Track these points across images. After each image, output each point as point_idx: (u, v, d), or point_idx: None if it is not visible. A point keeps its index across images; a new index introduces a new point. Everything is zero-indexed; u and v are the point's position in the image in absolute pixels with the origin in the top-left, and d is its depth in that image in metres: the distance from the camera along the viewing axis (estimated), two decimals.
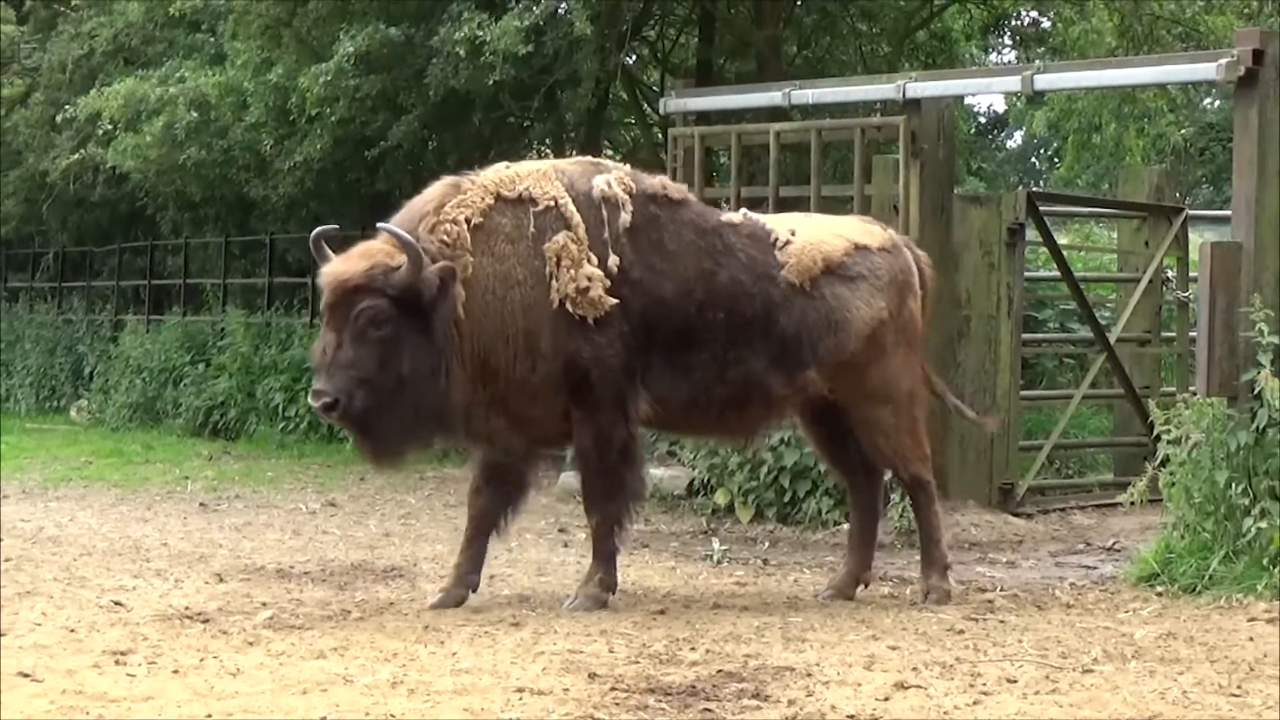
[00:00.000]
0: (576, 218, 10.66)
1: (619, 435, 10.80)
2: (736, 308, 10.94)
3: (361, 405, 10.16)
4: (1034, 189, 19.80)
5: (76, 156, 23.83)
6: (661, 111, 18.36)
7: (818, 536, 14.34)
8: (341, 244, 10.77)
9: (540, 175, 10.82)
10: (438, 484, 18.34)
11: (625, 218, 10.80)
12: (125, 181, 23.88)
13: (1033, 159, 45.51)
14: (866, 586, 11.59)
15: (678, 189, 11.31)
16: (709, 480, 15.47)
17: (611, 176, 10.98)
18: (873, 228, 11.73)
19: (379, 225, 10.47)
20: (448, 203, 10.53)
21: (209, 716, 7.80)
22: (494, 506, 11.05)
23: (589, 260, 10.60)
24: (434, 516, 15.81)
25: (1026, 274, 16.25)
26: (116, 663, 8.94)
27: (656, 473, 15.81)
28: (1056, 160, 38.87)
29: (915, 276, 11.62)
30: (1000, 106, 37.89)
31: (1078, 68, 16.47)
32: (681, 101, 17.04)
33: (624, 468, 10.87)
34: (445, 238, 10.38)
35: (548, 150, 25.64)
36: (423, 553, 13.32)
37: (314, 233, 10.79)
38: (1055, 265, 16.46)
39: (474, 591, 10.94)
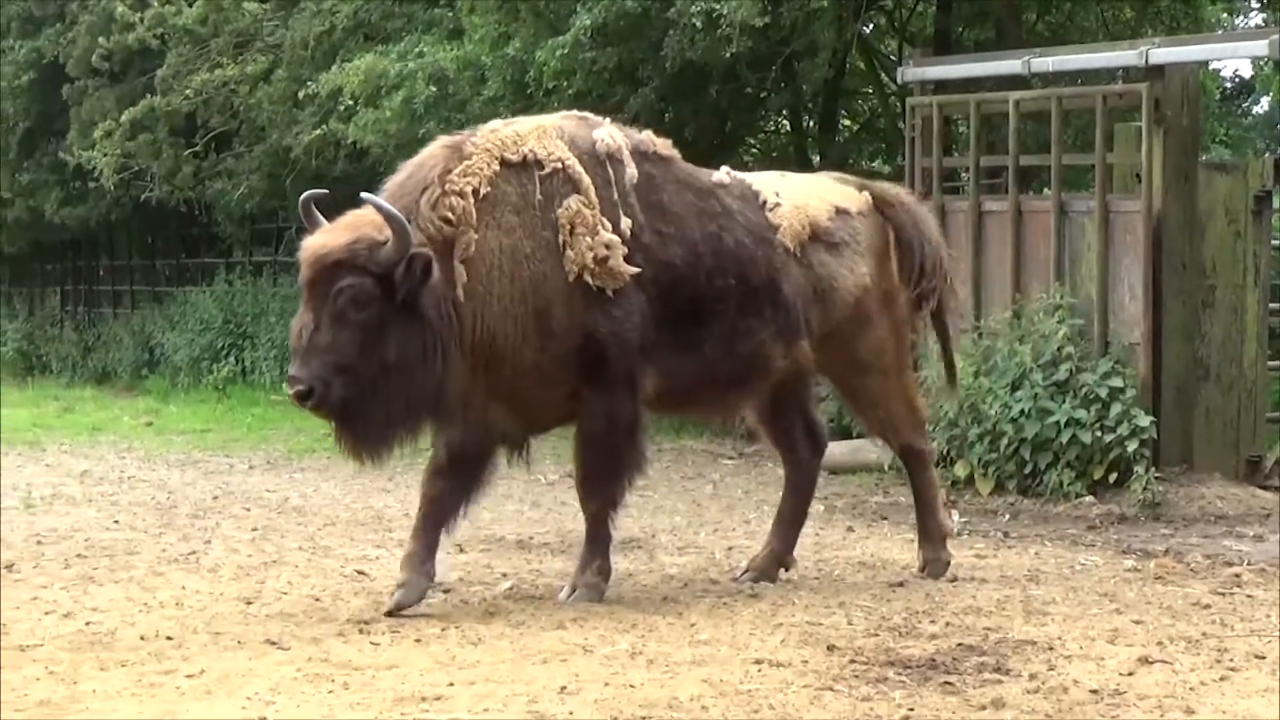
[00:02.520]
0: (585, 179, 9.89)
1: (627, 414, 10.08)
2: (744, 274, 10.30)
3: (340, 395, 9.27)
4: None
5: (318, 132, 24.20)
6: (899, 81, 18.30)
7: (1059, 509, 14.21)
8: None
9: (542, 133, 9.96)
10: (675, 455, 18.42)
11: (631, 173, 10.11)
12: (365, 156, 24.21)
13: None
14: (788, 570, 11.00)
15: (665, 144, 10.54)
16: (948, 452, 15.36)
17: (609, 129, 10.27)
18: (849, 189, 11.15)
19: (363, 196, 9.47)
20: (451, 170, 9.65)
21: (451, 685, 7.93)
22: (454, 495, 10.08)
23: (603, 226, 9.84)
24: (671, 488, 15.88)
25: (1274, 242, 15.94)
26: (360, 631, 9.14)
27: None
28: None
29: (891, 239, 11.03)
30: (1246, 71, 37.06)
31: None
32: (920, 70, 16.96)
33: (629, 448, 10.14)
34: (450, 213, 9.55)
35: (784, 121, 25.66)
36: (660, 524, 13.39)
37: (303, 196, 10.11)
38: None
39: (432, 580, 9.98)
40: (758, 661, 8.39)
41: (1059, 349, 14.83)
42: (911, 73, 17.04)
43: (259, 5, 27.33)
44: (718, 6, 17.01)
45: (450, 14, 22.94)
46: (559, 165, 9.84)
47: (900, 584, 10.71)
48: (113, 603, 9.99)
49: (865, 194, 11.13)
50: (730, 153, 25.97)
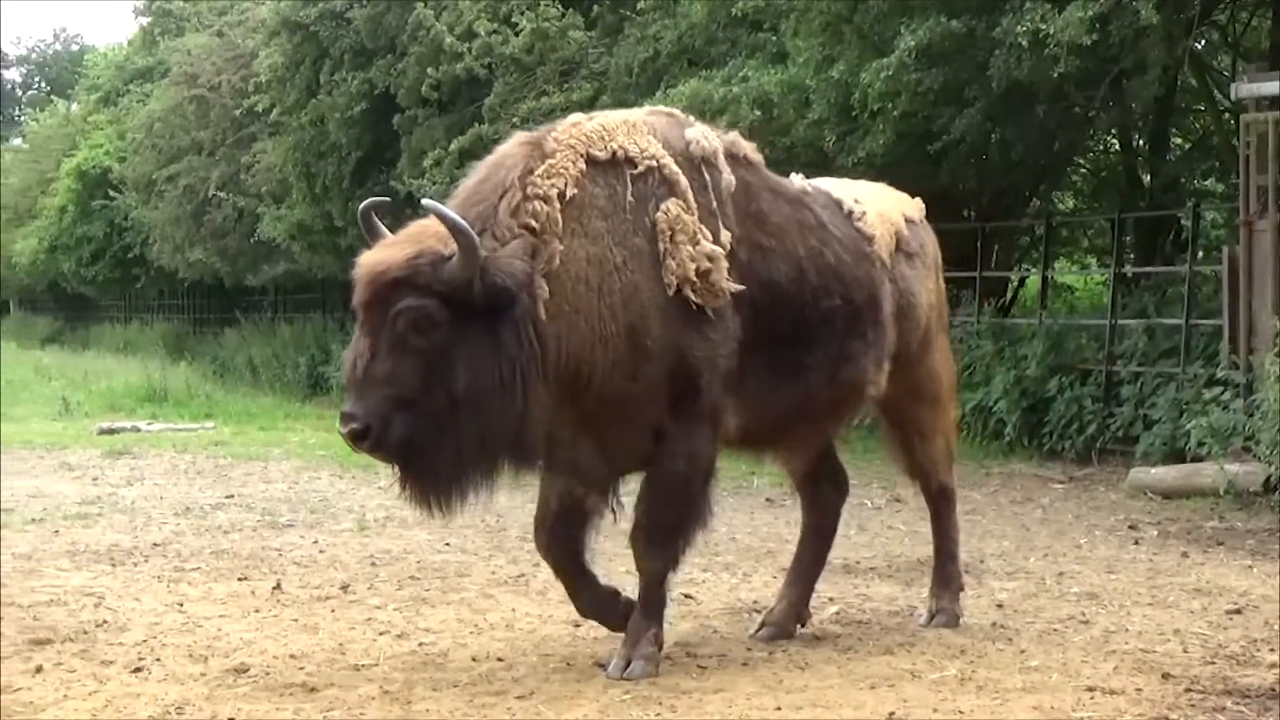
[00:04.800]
0: (682, 181, 8.68)
1: (707, 458, 8.82)
2: (849, 293, 9.25)
3: (401, 434, 7.96)
4: None
5: None
6: (1233, 97, 17.95)
7: None
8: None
9: (631, 129, 8.75)
10: (1004, 479, 18.25)
11: (729, 179, 8.93)
12: None
13: None
14: (804, 624, 9.95)
15: (752, 148, 9.38)
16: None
17: (702, 129, 9.10)
18: (904, 195, 10.36)
19: (424, 203, 8.19)
20: (534, 171, 8.38)
21: (778, 709, 7.95)
22: (577, 543, 9.09)
23: (703, 235, 8.64)
24: (1000, 513, 15.73)
25: None
26: (687, 655, 9.20)
27: (1231, 469, 15.45)
28: None
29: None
30: None
31: None
32: (1254, 86, 16.60)
33: (703, 499, 8.86)
34: (533, 221, 8.26)
35: (1113, 140, 25.29)
36: (989, 549, 13.27)
37: (363, 205, 8.82)
38: None
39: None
40: (1090, 689, 8.28)
41: None
42: (1246, 88, 16.70)
43: (584, 33, 27.69)
44: (1044, 26, 16.84)
45: (774, 38, 23.02)
46: (653, 164, 8.66)
47: (1237, 610, 10.47)
48: (444, 624, 10.18)
49: (919, 200, 10.39)
50: (1058, 173, 25.74)
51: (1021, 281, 26.80)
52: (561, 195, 8.33)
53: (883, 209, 9.83)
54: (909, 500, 16.39)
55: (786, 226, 9.11)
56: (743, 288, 8.67)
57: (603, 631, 9.76)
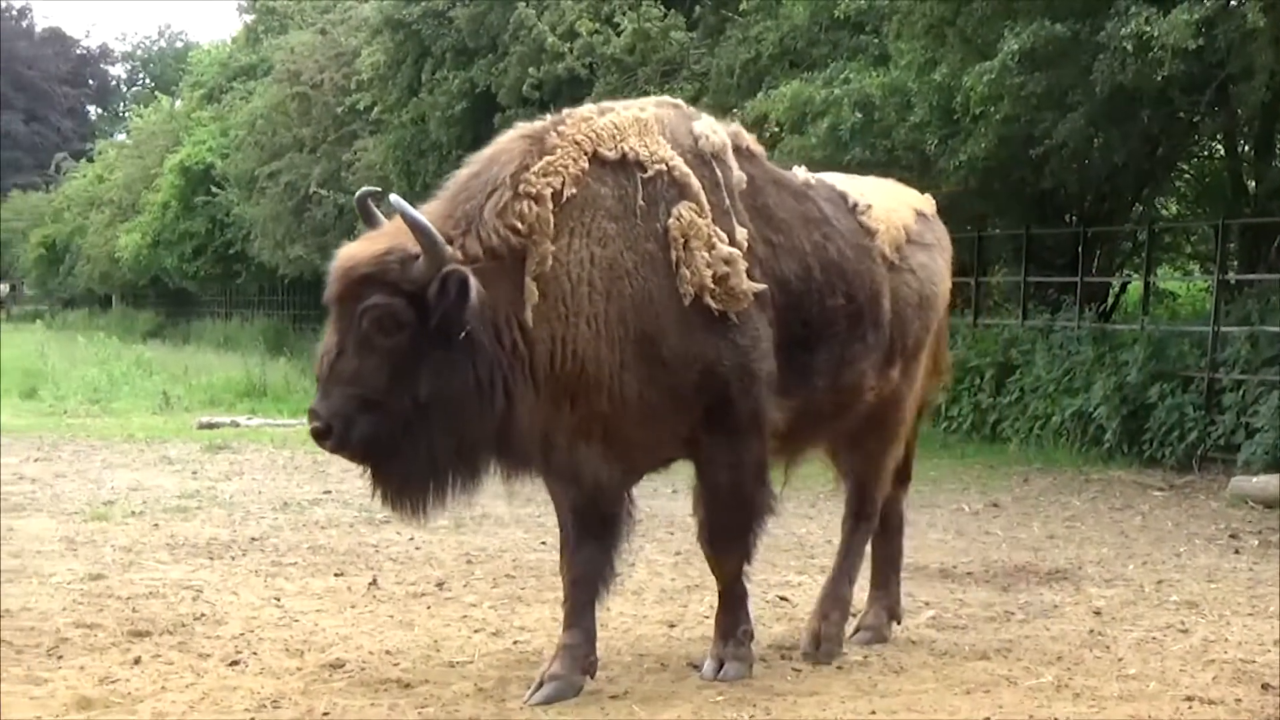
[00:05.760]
0: (694, 183, 8.23)
1: (754, 457, 8.43)
2: (852, 291, 8.82)
3: (364, 434, 7.63)
4: None
5: None
6: None
7: None
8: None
9: (643, 128, 8.28)
10: (1103, 486, 18.12)
11: (738, 175, 8.50)
12: None
13: None
14: (899, 622, 9.89)
15: (754, 140, 8.91)
16: None
17: (710, 122, 8.65)
18: (913, 191, 10.00)
19: (390, 198, 7.83)
20: (529, 168, 7.95)
21: (873, 713, 7.93)
22: (597, 562, 8.49)
23: (718, 237, 8.18)
24: (1099, 520, 15.62)
25: None
26: (782, 657, 9.19)
27: None
28: None
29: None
30: None
31: None
32: None
33: (760, 494, 8.54)
34: (518, 223, 7.80)
35: (1218, 145, 25.06)
36: (1088, 556, 13.18)
37: (359, 193, 8.54)
38: None
39: (592, 676, 8.51)
40: (1188, 699, 8.22)
41: None
42: None
43: (686, 34, 27.73)
44: (1149, 29, 16.73)
45: (876, 40, 23.00)
46: (664, 168, 8.19)
47: None
48: (539, 622, 10.20)
49: (929, 196, 10.06)
50: (1161, 178, 25.56)
51: (1123, 287, 26.64)
52: (557, 195, 7.91)
53: (889, 204, 9.46)
54: (1006, 506, 16.35)
55: (792, 221, 8.71)
56: (764, 286, 8.29)
57: (697, 632, 9.79)
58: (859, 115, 21.66)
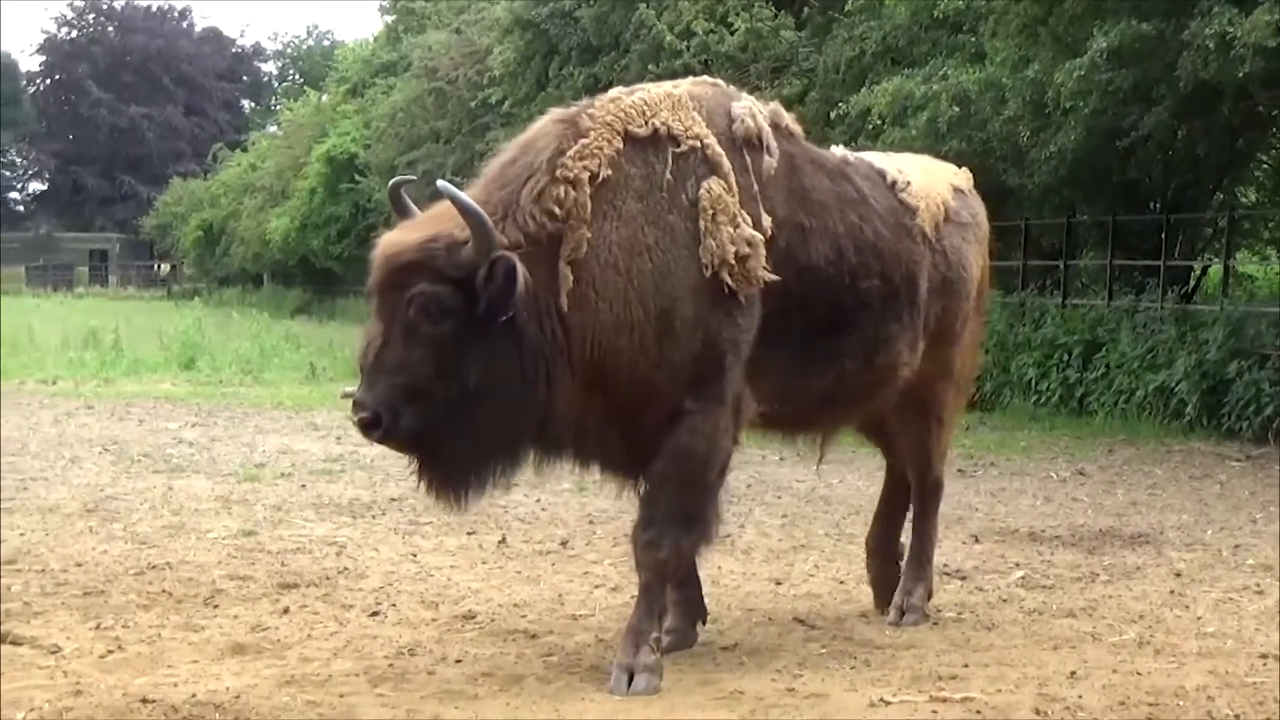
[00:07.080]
0: (725, 163, 7.68)
1: (726, 446, 7.75)
2: (888, 271, 8.28)
3: (412, 425, 7.12)
4: None
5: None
6: None
7: None
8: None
9: (675, 104, 7.74)
10: (1184, 456, 17.96)
11: (770, 162, 7.90)
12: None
13: None
14: (930, 597, 9.24)
15: (793, 119, 8.35)
16: None
17: (749, 103, 8.07)
18: (951, 166, 9.43)
19: (439, 184, 7.33)
20: (565, 152, 7.41)
21: (965, 666, 7.91)
22: None
23: (744, 219, 7.65)
24: (1179, 488, 15.46)
25: None
26: (881, 613, 9.16)
27: None
28: None
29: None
30: None
31: None
32: None
33: (716, 492, 7.81)
34: (555, 208, 7.31)
35: None
36: (1169, 521, 13.06)
37: (391, 183, 8.17)
38: None
39: (704, 623, 8.49)
40: (1263, 656, 8.15)
41: None
42: None
43: (794, 33, 27.66)
44: (1232, 28, 16.56)
45: (973, 39, 22.88)
46: (697, 144, 7.66)
47: None
48: None
49: (967, 170, 9.47)
50: (1241, 168, 25.30)
51: (1204, 270, 26.37)
52: (594, 177, 7.39)
53: (928, 180, 8.89)
54: (1092, 474, 16.23)
55: (827, 202, 8.12)
56: (777, 278, 7.67)
57: (803, 589, 9.80)
58: (956, 109, 21.58)
